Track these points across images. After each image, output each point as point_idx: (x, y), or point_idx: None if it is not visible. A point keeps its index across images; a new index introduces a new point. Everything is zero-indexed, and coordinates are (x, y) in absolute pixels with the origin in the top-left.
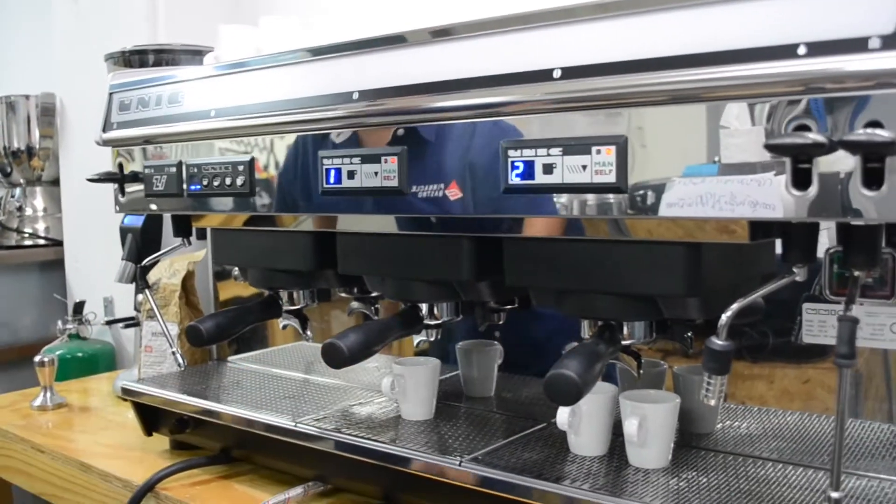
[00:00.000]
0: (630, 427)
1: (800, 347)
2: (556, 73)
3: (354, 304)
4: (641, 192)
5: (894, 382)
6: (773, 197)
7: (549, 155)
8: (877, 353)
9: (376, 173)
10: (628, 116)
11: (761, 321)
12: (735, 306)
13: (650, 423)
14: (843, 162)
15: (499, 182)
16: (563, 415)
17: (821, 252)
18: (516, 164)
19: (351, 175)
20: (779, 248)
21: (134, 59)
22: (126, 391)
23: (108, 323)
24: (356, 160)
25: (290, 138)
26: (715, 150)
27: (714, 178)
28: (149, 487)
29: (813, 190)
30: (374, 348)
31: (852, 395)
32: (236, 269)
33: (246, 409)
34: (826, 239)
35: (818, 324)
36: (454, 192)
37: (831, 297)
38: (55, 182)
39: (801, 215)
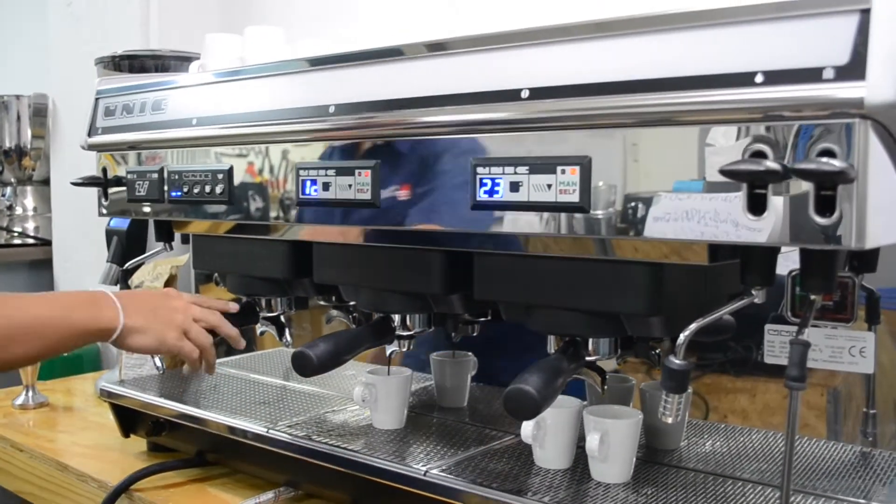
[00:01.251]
0: (592, 442)
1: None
2: (525, 94)
3: (333, 313)
4: (612, 209)
5: (876, 404)
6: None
7: (515, 173)
8: (857, 374)
9: (350, 185)
10: (593, 137)
11: (744, 336)
12: (693, 326)
13: (612, 438)
14: (799, 188)
15: (468, 198)
16: (527, 428)
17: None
18: (485, 181)
19: (326, 187)
20: None
21: (124, 63)
22: (105, 392)
23: None
24: (331, 172)
25: (269, 148)
26: (703, 168)
27: (699, 195)
28: (123, 489)
29: (771, 216)
30: (345, 357)
31: (832, 415)
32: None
33: (221, 414)
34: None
35: (779, 345)
36: (425, 206)
37: (792, 318)
38: (46, 182)
39: (758, 240)
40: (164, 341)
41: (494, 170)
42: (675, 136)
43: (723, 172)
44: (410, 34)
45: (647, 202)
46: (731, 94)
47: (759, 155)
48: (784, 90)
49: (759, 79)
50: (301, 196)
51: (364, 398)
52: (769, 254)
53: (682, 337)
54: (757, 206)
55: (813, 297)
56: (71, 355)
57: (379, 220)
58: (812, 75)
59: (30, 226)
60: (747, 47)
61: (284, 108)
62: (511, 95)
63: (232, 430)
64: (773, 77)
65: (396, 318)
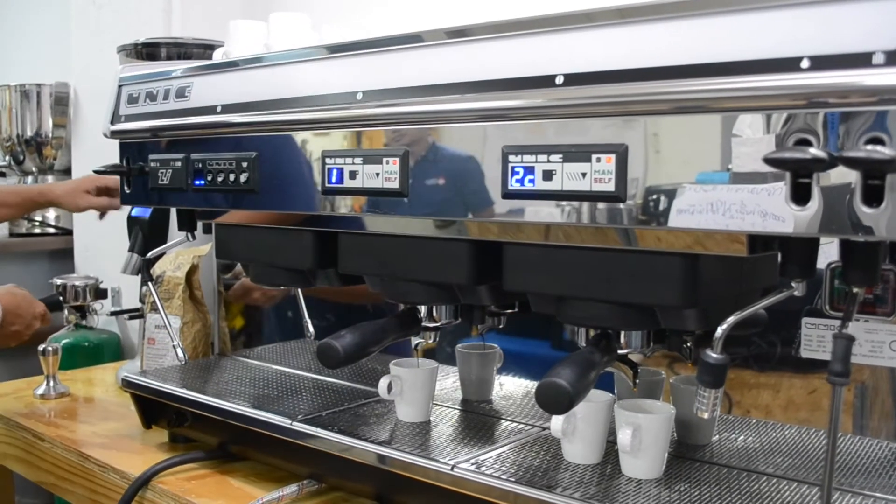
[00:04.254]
0: (623, 437)
1: (806, 358)
2: (559, 80)
3: None
4: (649, 198)
5: None
6: (782, 208)
7: (549, 161)
8: (884, 368)
9: (377, 174)
10: (630, 125)
11: (769, 331)
12: (731, 319)
13: (644, 434)
14: (845, 178)
15: (499, 186)
16: (556, 422)
17: (824, 265)
18: (516, 169)
19: (353, 175)
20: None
21: (146, 51)
22: (126, 383)
23: (114, 314)
24: (358, 160)
25: (295, 136)
26: (728, 158)
27: (725, 187)
28: (145, 481)
29: (813, 205)
30: (371, 349)
31: (858, 410)
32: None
33: (244, 406)
34: (831, 253)
35: (817, 339)
36: (454, 195)
37: (831, 312)
38: (67, 171)
39: (800, 230)
40: None
41: (527, 158)
42: (708, 125)
43: (767, 161)
44: (440, 20)
45: (671, 194)
46: (775, 80)
47: (804, 143)
48: (831, 76)
49: (804, 64)
50: (327, 184)
51: (390, 390)
52: (810, 245)
53: (719, 330)
54: (801, 195)
55: (856, 290)
56: (92, 345)
57: (407, 209)
58: (861, 60)
59: (51, 215)
60: (793, 32)
61: (311, 95)
62: (545, 81)
63: (255, 421)
64: (820, 62)
65: (423, 309)
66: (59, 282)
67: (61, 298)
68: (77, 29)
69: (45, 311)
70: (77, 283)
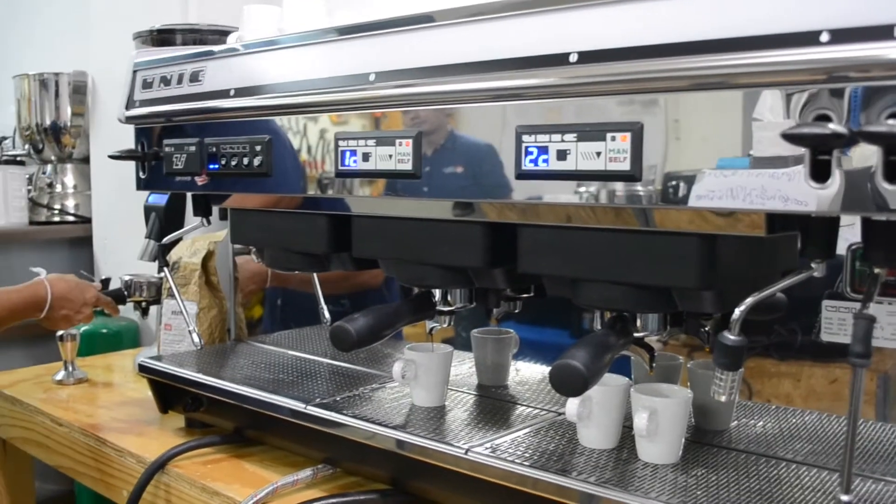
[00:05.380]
0: (640, 421)
1: (827, 346)
2: (573, 58)
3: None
4: (667, 184)
5: None
6: (804, 192)
7: (563, 141)
8: None
9: (391, 156)
10: (647, 104)
11: (789, 318)
12: (749, 300)
13: (660, 418)
14: (866, 154)
15: (513, 167)
16: (572, 406)
17: (844, 248)
18: (530, 149)
19: (366, 157)
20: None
21: (162, 38)
22: (143, 368)
23: (131, 300)
24: (371, 142)
25: (308, 119)
26: (749, 144)
27: (745, 172)
28: (161, 465)
29: (834, 183)
30: (384, 333)
31: (880, 399)
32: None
33: (259, 391)
34: (851, 234)
35: (838, 322)
36: (467, 177)
37: (852, 294)
38: (85, 160)
39: (821, 209)
40: None
41: (541, 137)
42: (727, 106)
43: (785, 136)
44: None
45: (690, 180)
46: (794, 55)
47: (824, 119)
48: (851, 49)
49: (824, 38)
50: (340, 167)
51: (404, 375)
52: (830, 225)
53: (737, 312)
54: (820, 172)
55: (877, 270)
56: (111, 332)
57: (420, 191)
58: (882, 33)
59: (70, 203)
60: (812, 4)
61: (323, 77)
62: (558, 60)
63: (270, 406)
64: (840, 35)
65: (437, 293)
66: (126, 278)
67: (126, 293)
68: (94, 17)
69: (96, 298)
70: (141, 280)
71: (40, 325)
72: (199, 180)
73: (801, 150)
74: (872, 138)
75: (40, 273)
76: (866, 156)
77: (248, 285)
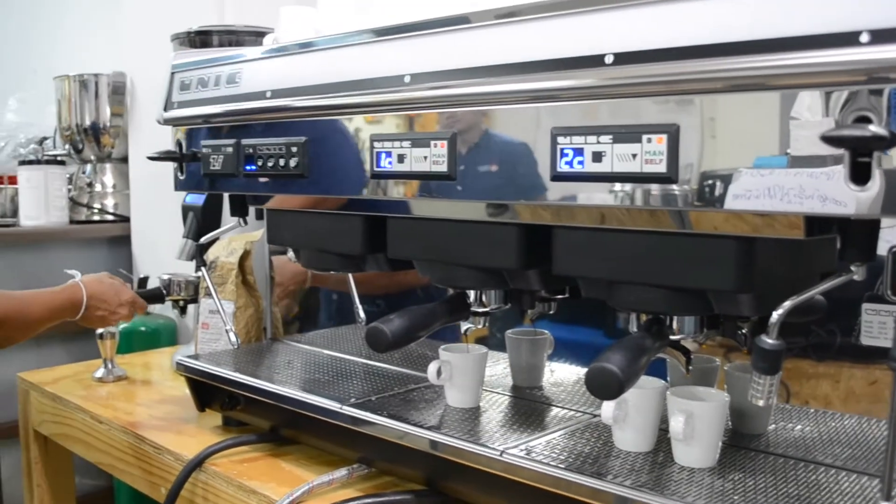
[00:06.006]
0: (676, 424)
1: (867, 348)
2: (609, 59)
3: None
4: (704, 183)
5: None
6: (842, 192)
7: (598, 143)
8: None
9: (426, 157)
10: (683, 105)
11: (827, 319)
12: (787, 304)
13: (697, 421)
14: None
15: (548, 169)
16: (607, 409)
17: (884, 250)
18: (565, 151)
19: (401, 159)
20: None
21: (198, 39)
22: (181, 366)
23: (169, 299)
24: (406, 144)
25: (343, 120)
26: (786, 142)
27: (783, 171)
28: (198, 462)
29: (874, 185)
30: (419, 334)
31: None
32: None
33: (295, 390)
34: (893, 236)
35: (878, 325)
36: (502, 178)
37: (892, 297)
38: (124, 159)
39: (861, 211)
40: None
41: (576, 139)
42: (764, 106)
43: (825, 139)
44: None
45: (727, 179)
46: (833, 56)
47: (864, 120)
48: (891, 50)
49: (864, 38)
50: (375, 168)
51: (439, 375)
52: (870, 227)
53: (775, 315)
54: (860, 175)
55: None
56: (149, 330)
57: (455, 192)
58: None
59: (109, 203)
60: (851, 5)
61: (359, 78)
62: (594, 61)
63: (306, 405)
64: (881, 36)
65: (472, 294)
66: (165, 276)
67: (164, 292)
68: (132, 19)
69: (133, 298)
70: (179, 279)
71: (77, 323)
72: None
73: (840, 150)
74: None
75: (75, 275)
76: None
77: (290, 285)
